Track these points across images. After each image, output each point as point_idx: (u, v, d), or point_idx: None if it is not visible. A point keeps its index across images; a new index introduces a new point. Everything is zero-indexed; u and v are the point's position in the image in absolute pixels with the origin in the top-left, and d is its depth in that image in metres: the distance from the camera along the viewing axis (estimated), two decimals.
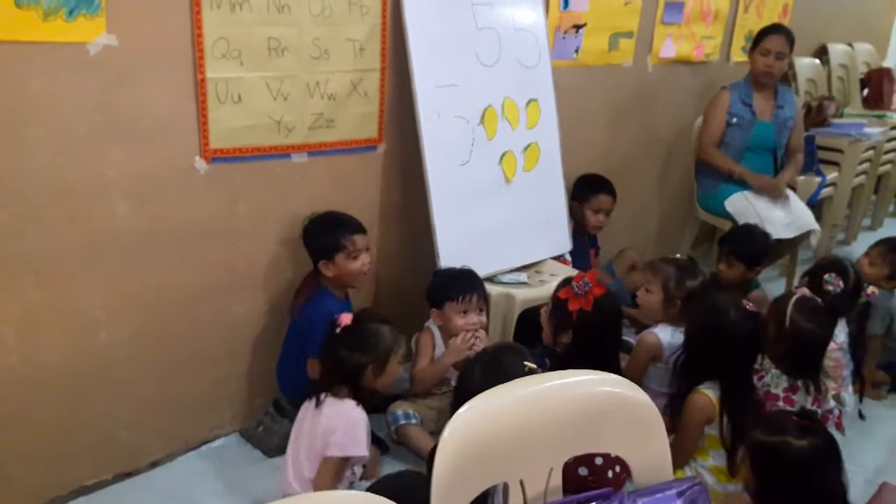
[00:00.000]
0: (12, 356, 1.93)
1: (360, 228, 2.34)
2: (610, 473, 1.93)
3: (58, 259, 1.95)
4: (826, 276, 2.47)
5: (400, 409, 2.40)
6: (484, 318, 2.40)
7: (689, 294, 2.43)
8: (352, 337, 2.02)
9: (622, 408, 1.17)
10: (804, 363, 2.21)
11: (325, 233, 2.31)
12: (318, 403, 2.02)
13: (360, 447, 1.97)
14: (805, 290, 2.28)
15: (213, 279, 2.26)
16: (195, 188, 2.15)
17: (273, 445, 2.34)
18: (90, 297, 2.04)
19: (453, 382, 2.41)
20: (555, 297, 2.27)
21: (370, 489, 1.77)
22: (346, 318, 2.04)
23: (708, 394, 2.05)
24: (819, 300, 2.23)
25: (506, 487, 1.10)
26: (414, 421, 2.38)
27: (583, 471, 1.91)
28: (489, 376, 1.44)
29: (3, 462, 1.99)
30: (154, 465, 2.29)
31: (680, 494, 1.20)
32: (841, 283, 2.45)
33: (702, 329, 2.13)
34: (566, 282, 2.26)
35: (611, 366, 2.18)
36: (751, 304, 2.14)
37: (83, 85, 1.87)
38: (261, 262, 2.36)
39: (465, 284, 2.38)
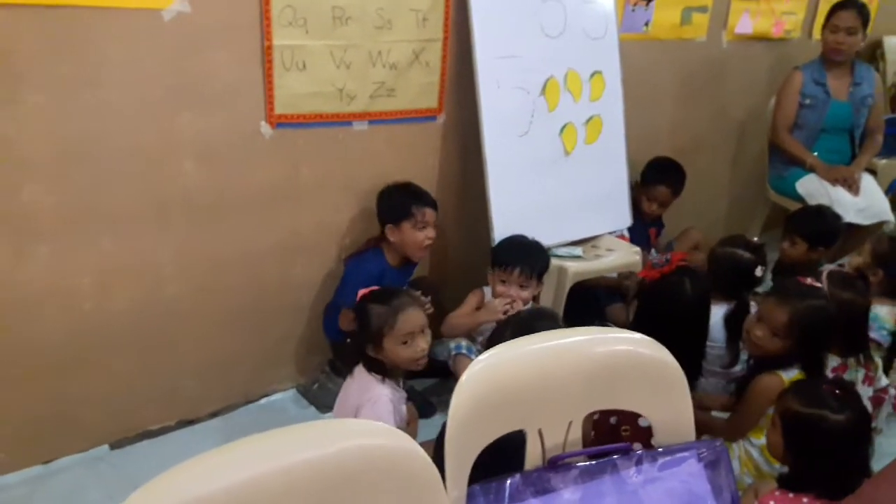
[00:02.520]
0: (87, 304, 2.07)
1: (432, 203, 2.41)
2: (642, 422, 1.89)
3: (130, 215, 2.07)
4: None
5: (464, 340, 2.44)
6: (526, 294, 2.38)
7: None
8: (355, 315, 2.02)
9: (645, 366, 1.19)
10: (851, 336, 2.15)
11: (399, 199, 2.39)
12: (352, 373, 2.04)
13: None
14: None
15: (275, 240, 2.36)
16: (260, 152, 2.24)
17: (327, 402, 2.43)
18: (160, 253, 2.16)
19: (480, 339, 2.44)
20: (640, 280, 2.26)
21: None
22: (359, 295, 2.01)
23: (780, 374, 2.02)
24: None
25: (524, 435, 1.14)
26: (471, 355, 2.40)
27: (613, 419, 1.91)
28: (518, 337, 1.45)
29: (75, 403, 2.15)
30: (214, 414, 2.42)
31: (700, 456, 1.21)
32: None
33: (807, 325, 2.03)
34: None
35: (691, 353, 2.06)
36: (812, 280, 2.10)
37: (157, 50, 1.97)
38: (321, 226, 2.45)
39: (512, 256, 2.38)
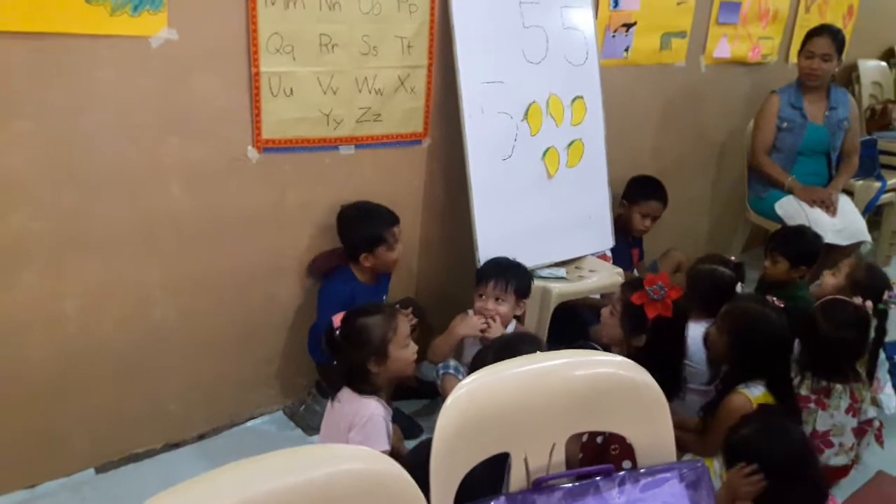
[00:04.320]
0: (72, 327, 2.07)
1: (396, 218, 2.43)
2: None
3: (117, 240, 2.08)
4: None
5: (452, 360, 2.45)
6: (503, 309, 2.39)
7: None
8: (345, 336, 1.98)
9: (626, 388, 1.22)
10: (834, 364, 2.21)
11: (367, 226, 2.39)
12: (337, 398, 2.01)
13: (376, 443, 1.92)
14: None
15: (261, 263, 2.38)
16: (247, 176, 2.26)
17: (314, 424, 2.44)
18: (146, 276, 2.17)
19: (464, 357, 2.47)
20: (626, 302, 2.20)
21: None
22: (336, 321, 1.99)
23: (746, 393, 2.06)
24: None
25: (509, 458, 1.16)
26: (459, 375, 2.42)
27: (599, 439, 1.94)
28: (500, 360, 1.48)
29: (61, 426, 2.14)
30: (201, 437, 2.42)
31: (682, 476, 1.23)
32: None
33: (747, 337, 2.13)
34: (635, 285, 2.21)
35: (675, 369, 2.18)
36: (776, 300, 2.15)
37: (145, 76, 2.00)
38: (307, 248, 2.47)
39: (489, 271, 2.42)
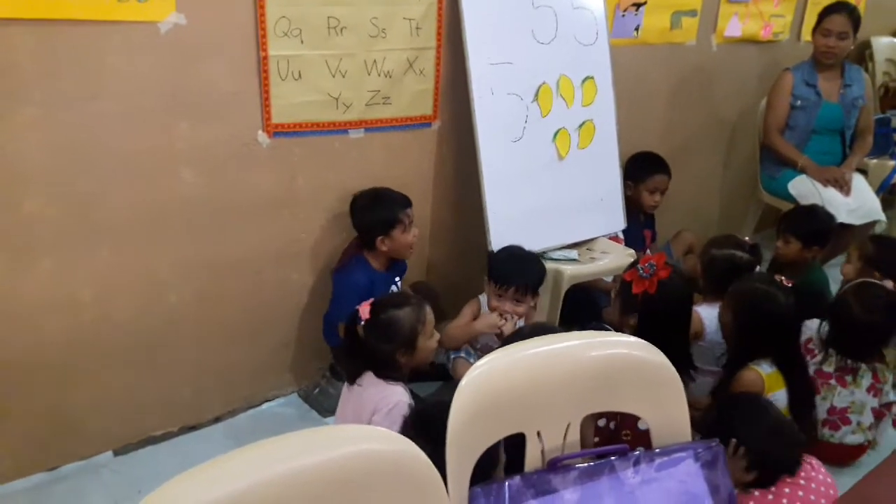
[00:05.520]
0: (88, 313, 2.09)
1: (409, 201, 2.43)
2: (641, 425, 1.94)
3: (130, 225, 2.10)
4: None
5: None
6: (521, 309, 2.40)
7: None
8: (373, 328, 1.99)
9: (640, 368, 1.22)
10: (859, 344, 2.20)
11: (381, 209, 2.40)
12: (358, 382, 2.03)
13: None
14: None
15: (273, 247, 2.39)
16: (257, 161, 2.27)
17: (328, 406, 2.46)
18: (159, 261, 2.18)
19: (479, 344, 2.47)
20: (621, 279, 2.26)
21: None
22: (364, 312, 2.00)
23: (758, 370, 2.06)
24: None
25: (522, 437, 1.16)
26: (470, 359, 2.42)
27: (612, 424, 1.95)
28: None
29: (79, 411, 2.17)
30: (217, 420, 2.44)
31: (697, 455, 1.24)
32: None
33: (753, 315, 2.14)
34: (633, 263, 2.25)
35: (678, 350, 2.13)
36: (784, 279, 2.15)
37: (154, 61, 1.99)
38: (318, 231, 2.47)
39: (509, 272, 2.39)
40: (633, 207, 3.14)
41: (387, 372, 2.00)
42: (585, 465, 1.19)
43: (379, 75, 2.41)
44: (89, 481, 2.16)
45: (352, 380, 2.05)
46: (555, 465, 1.19)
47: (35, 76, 1.83)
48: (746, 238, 2.69)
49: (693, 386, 2.27)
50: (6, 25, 1.75)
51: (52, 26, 1.81)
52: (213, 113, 2.14)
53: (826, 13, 3.36)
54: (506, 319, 2.36)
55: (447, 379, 2.51)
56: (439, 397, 2.07)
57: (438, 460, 1.04)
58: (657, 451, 1.23)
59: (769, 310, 2.13)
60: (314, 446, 0.97)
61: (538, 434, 1.17)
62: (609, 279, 2.78)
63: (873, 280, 2.31)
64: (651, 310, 2.14)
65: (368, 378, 2.02)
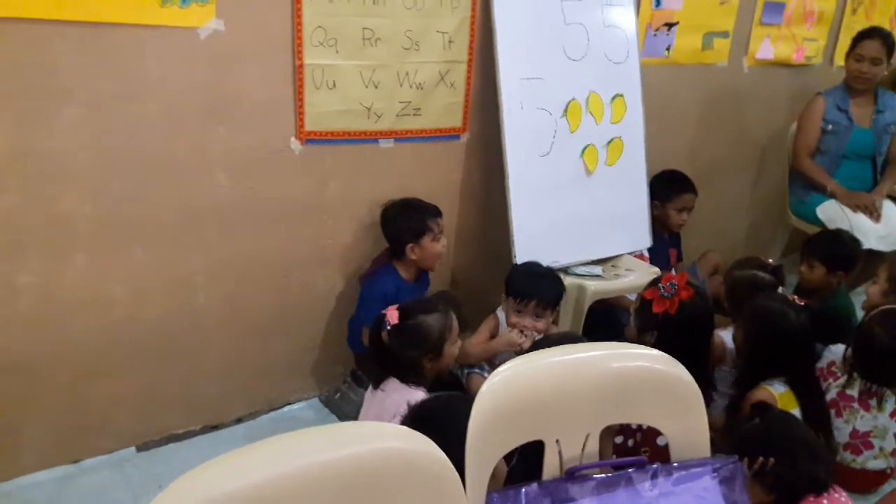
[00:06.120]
0: (119, 310, 2.14)
1: (439, 211, 2.46)
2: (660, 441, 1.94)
3: (164, 225, 2.14)
4: None
5: None
6: (541, 325, 2.39)
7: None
8: (400, 333, 2.01)
9: (661, 382, 1.22)
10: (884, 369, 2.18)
11: (412, 217, 2.43)
12: (381, 387, 2.04)
13: None
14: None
15: (301, 252, 2.42)
16: (290, 167, 2.31)
17: (348, 412, 2.48)
18: (191, 262, 2.23)
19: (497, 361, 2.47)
20: (641, 296, 2.25)
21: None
22: (392, 317, 2.02)
23: (770, 389, 2.05)
24: None
25: (542, 445, 1.17)
26: (484, 373, 2.42)
27: (619, 439, 1.96)
28: None
29: (104, 406, 2.22)
30: (238, 420, 2.48)
31: (715, 471, 1.24)
32: None
33: (764, 334, 2.14)
34: (654, 281, 2.25)
35: (697, 372, 2.14)
36: (797, 298, 2.15)
37: (193, 66, 2.05)
38: (346, 239, 2.51)
39: (529, 287, 2.39)
40: (659, 226, 3.14)
41: (411, 377, 2.02)
42: (603, 475, 1.20)
43: (411, 87, 2.45)
44: (111, 475, 2.20)
45: (376, 384, 2.07)
46: (572, 475, 1.20)
47: (77, 77, 1.89)
48: (770, 260, 2.67)
49: (712, 407, 2.27)
50: (52, 26, 1.81)
51: (95, 28, 1.87)
52: (248, 118, 2.18)
53: (860, 38, 3.35)
54: (525, 336, 2.36)
55: (461, 390, 2.51)
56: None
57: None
58: (675, 464, 1.23)
59: (780, 327, 2.12)
60: (335, 442, 0.99)
61: (557, 442, 1.18)
62: (632, 297, 2.78)
63: None
64: (670, 330, 2.14)
65: (392, 384, 2.04)
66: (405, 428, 1.03)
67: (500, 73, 2.47)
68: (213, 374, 2.38)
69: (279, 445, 0.99)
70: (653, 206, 3.12)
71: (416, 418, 1.63)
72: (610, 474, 1.21)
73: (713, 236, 3.60)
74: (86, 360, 2.13)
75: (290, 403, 2.59)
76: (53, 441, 2.16)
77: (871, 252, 3.10)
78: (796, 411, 2.08)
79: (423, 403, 1.76)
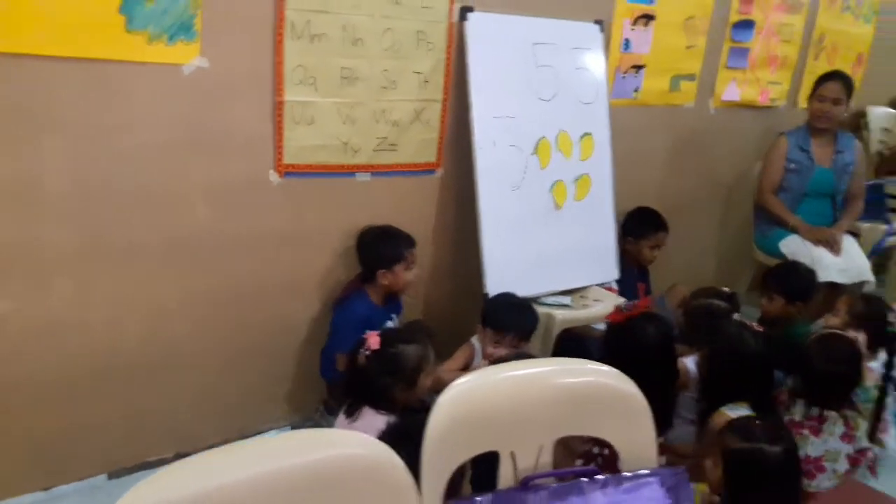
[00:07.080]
0: (96, 336, 2.18)
1: (413, 242, 2.55)
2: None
3: (143, 254, 2.20)
4: None
5: None
6: None
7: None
8: (378, 359, 2.04)
9: (612, 397, 1.30)
10: (828, 392, 2.26)
11: (387, 244, 2.52)
12: (353, 414, 2.06)
13: None
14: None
15: (277, 281, 2.49)
16: (268, 198, 2.39)
17: None
18: (167, 289, 2.28)
19: None
20: (608, 324, 2.33)
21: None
22: (373, 342, 2.05)
23: (728, 414, 2.12)
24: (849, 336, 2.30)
25: (497, 456, 1.24)
26: None
27: (596, 449, 1.99)
28: None
29: (76, 432, 2.23)
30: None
31: (662, 482, 1.31)
32: None
33: (722, 356, 2.23)
34: (620, 308, 2.33)
35: (654, 395, 2.19)
36: (755, 324, 2.23)
37: (176, 101, 2.14)
38: (321, 269, 2.58)
39: (508, 319, 2.46)
40: (630, 260, 3.24)
41: (382, 405, 2.06)
42: (556, 485, 1.27)
43: (387, 123, 2.55)
44: (82, 503, 2.21)
45: (349, 412, 2.09)
46: (526, 484, 1.26)
47: (66, 108, 1.97)
48: (725, 288, 2.77)
49: (676, 434, 2.33)
50: (43, 62, 1.90)
51: (84, 64, 1.95)
52: (228, 151, 2.27)
53: (822, 80, 3.51)
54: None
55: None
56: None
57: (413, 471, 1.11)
58: (625, 474, 1.30)
59: (737, 350, 2.20)
60: (294, 448, 1.05)
61: (512, 454, 1.25)
62: (600, 326, 2.86)
63: (837, 331, 2.38)
64: (616, 345, 2.21)
65: (364, 412, 2.07)
66: (363, 435, 1.10)
67: (473, 112, 2.58)
68: (185, 402, 2.42)
69: (239, 451, 1.04)
70: (626, 242, 3.23)
71: (390, 434, 1.68)
72: (563, 483, 1.27)
73: (682, 271, 3.70)
74: (58, 385, 2.15)
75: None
76: (24, 467, 2.17)
77: (831, 285, 3.20)
78: None
79: (399, 421, 1.80)
